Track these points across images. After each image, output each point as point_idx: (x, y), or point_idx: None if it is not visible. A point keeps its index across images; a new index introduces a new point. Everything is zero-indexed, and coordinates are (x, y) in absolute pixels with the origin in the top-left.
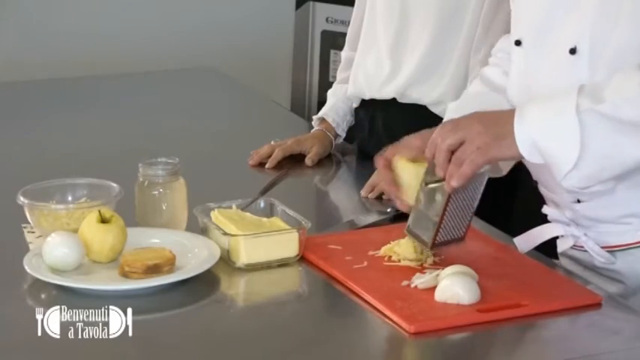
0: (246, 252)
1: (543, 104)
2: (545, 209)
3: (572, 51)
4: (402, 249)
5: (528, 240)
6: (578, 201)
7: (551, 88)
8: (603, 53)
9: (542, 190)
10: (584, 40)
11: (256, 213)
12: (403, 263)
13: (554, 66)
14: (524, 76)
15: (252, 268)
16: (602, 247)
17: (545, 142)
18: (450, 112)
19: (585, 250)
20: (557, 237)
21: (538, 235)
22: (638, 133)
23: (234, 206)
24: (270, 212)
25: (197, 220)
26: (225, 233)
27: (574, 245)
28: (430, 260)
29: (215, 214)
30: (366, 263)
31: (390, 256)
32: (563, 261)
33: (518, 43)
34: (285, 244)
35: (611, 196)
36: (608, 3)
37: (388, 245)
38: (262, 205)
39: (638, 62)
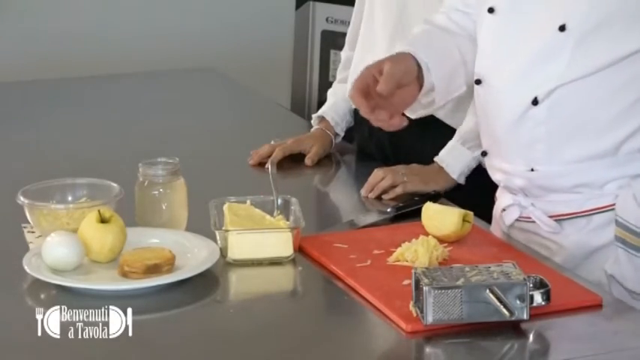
0: (234, 247)
1: None
2: (495, 176)
3: (562, 28)
4: (418, 258)
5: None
6: (532, 170)
7: (529, 60)
8: (591, 32)
9: (493, 160)
10: (574, 17)
11: (273, 211)
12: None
13: (535, 38)
14: (497, 44)
15: (242, 263)
16: (550, 217)
17: None
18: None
19: (532, 221)
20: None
21: (496, 207)
22: None
23: (248, 201)
24: (284, 210)
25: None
26: (216, 227)
27: (520, 216)
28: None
29: (225, 207)
30: (369, 262)
31: (398, 260)
32: (512, 232)
33: (491, 10)
34: (277, 243)
35: (567, 166)
36: None
37: (399, 249)
38: (279, 202)
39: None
